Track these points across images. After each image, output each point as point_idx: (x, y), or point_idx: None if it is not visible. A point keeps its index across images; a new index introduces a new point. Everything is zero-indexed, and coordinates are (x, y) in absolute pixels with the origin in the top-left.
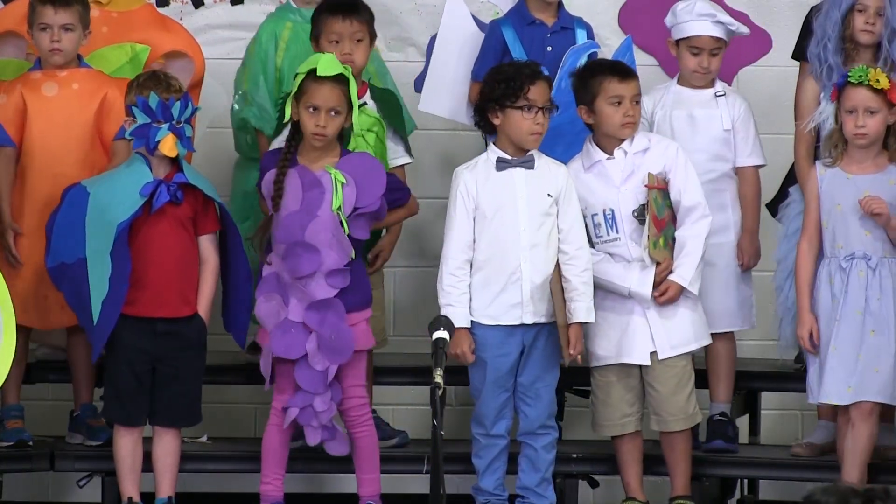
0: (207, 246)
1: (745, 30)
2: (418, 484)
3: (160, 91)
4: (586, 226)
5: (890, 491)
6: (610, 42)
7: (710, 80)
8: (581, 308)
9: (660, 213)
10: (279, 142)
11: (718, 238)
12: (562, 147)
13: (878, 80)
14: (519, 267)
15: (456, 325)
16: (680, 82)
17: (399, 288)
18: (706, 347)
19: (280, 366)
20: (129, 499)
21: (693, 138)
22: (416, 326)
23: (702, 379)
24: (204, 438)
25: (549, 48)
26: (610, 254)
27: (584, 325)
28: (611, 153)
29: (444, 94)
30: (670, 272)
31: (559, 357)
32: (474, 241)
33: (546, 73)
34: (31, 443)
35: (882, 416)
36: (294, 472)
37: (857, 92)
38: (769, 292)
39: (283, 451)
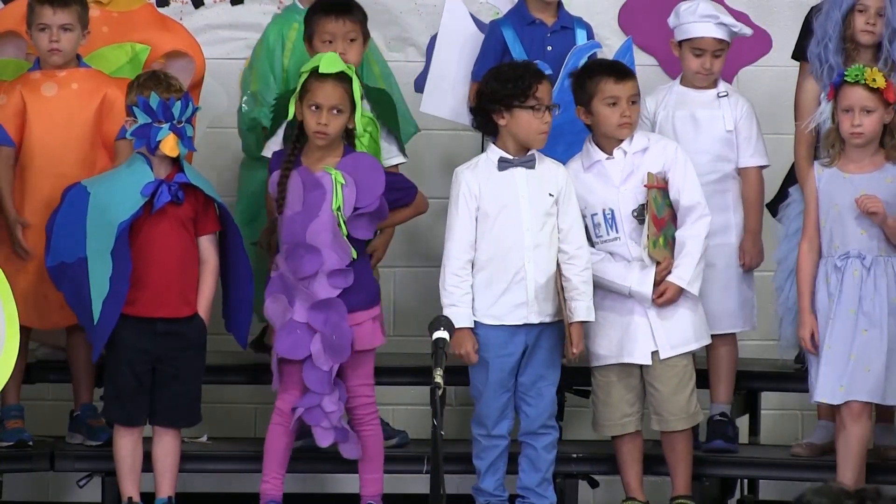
0: (207, 246)
1: (747, 31)
2: (418, 484)
3: (161, 91)
4: (586, 226)
5: (881, 491)
6: (610, 42)
7: (713, 81)
8: (581, 307)
9: (659, 213)
10: (276, 143)
11: (719, 239)
12: (562, 147)
13: (874, 80)
14: (523, 267)
15: (459, 326)
16: (682, 83)
17: (399, 288)
18: (707, 348)
19: (284, 366)
20: (129, 499)
21: (696, 139)
22: (416, 326)
23: (703, 379)
24: (204, 438)
25: (549, 48)
26: (610, 253)
27: (584, 325)
28: (610, 153)
29: (446, 95)
30: (670, 272)
31: (561, 356)
32: (475, 241)
33: (549, 71)
34: (31, 443)
35: (881, 415)
36: (294, 472)
37: (853, 91)
38: (769, 292)
39: (284, 451)
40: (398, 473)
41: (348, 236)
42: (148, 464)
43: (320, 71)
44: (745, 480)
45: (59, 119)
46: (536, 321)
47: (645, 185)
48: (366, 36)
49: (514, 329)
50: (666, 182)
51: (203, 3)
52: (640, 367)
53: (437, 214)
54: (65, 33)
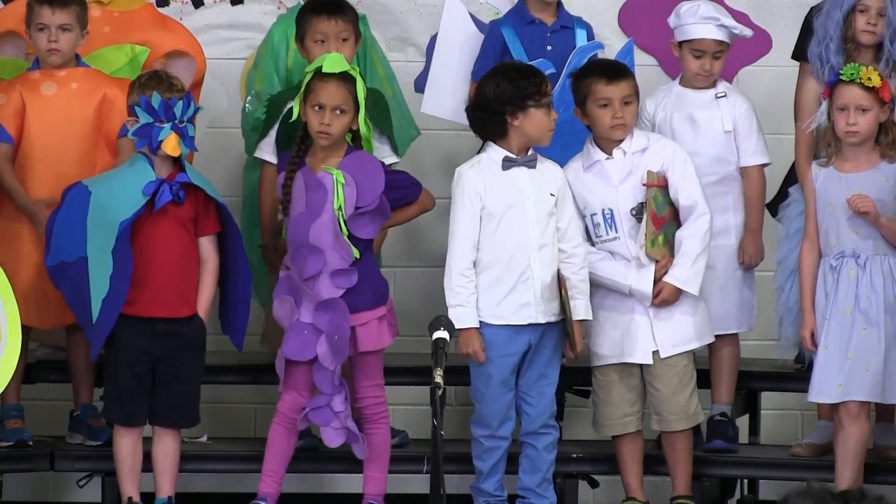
0: (208, 247)
1: (748, 32)
2: (418, 484)
3: (163, 90)
4: (586, 226)
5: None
6: (610, 42)
7: (712, 82)
8: (581, 306)
9: (659, 212)
10: (268, 144)
11: (719, 241)
12: (559, 147)
13: (869, 78)
14: (529, 267)
15: (467, 326)
16: (682, 83)
17: (399, 288)
18: (709, 348)
19: (291, 367)
20: (129, 499)
21: (695, 140)
22: (415, 326)
23: (704, 379)
24: (204, 438)
25: (549, 47)
26: (611, 252)
27: (584, 324)
28: (610, 153)
29: (446, 96)
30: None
31: (561, 355)
32: (479, 241)
33: (552, 70)
34: (31, 443)
35: (881, 415)
36: (295, 472)
37: (848, 90)
38: (769, 292)
39: (283, 452)
40: (398, 473)
41: (351, 236)
42: (148, 464)
43: (324, 71)
44: (745, 480)
45: (59, 118)
46: (544, 321)
47: (644, 184)
48: (358, 35)
49: (519, 328)
50: (666, 181)
51: (203, 3)
52: (641, 366)
53: (437, 214)
54: (63, 33)
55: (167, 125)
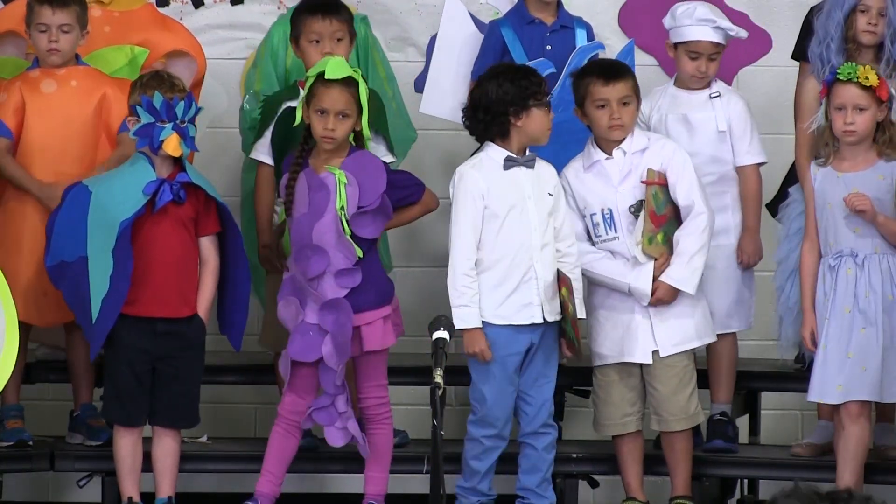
0: (208, 247)
1: (743, 33)
2: (418, 484)
3: (164, 90)
4: (585, 225)
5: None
6: (610, 42)
7: (707, 83)
8: (578, 304)
9: (659, 210)
10: (263, 145)
11: (718, 240)
12: (558, 146)
13: (866, 77)
14: (532, 267)
15: (472, 326)
16: (676, 84)
17: (399, 288)
18: (707, 347)
19: (295, 369)
20: (129, 499)
21: (690, 141)
22: (415, 326)
23: (703, 379)
24: (204, 438)
25: (549, 47)
26: (611, 252)
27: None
28: (610, 153)
29: (445, 96)
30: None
31: (559, 355)
32: (481, 241)
33: (552, 69)
34: (31, 443)
35: (881, 415)
36: (295, 472)
37: (845, 89)
38: (769, 292)
39: (281, 454)
40: (398, 473)
41: (354, 236)
42: (148, 464)
43: (326, 77)
44: (745, 480)
45: (58, 115)
46: (550, 319)
47: (642, 181)
48: (352, 35)
49: (520, 328)
50: (667, 180)
51: (203, 3)
52: (641, 366)
53: (437, 214)
54: (64, 34)
55: (168, 125)
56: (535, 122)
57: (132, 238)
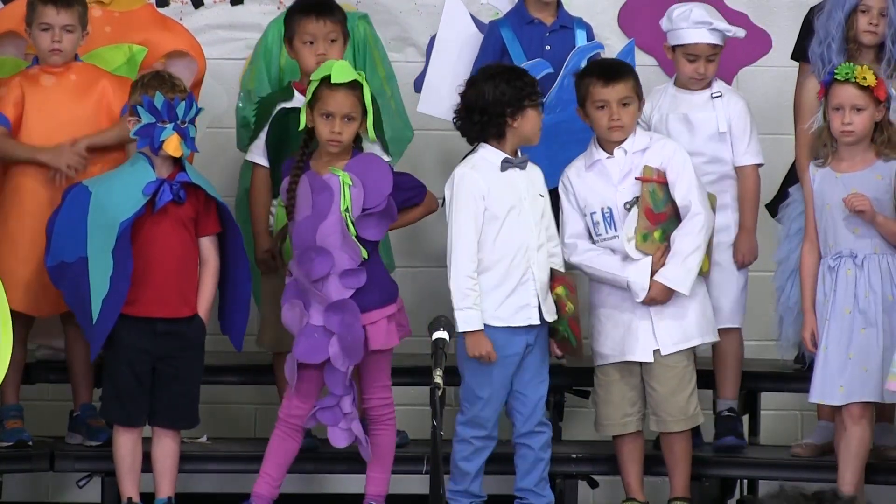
0: (208, 247)
1: (741, 33)
2: (418, 484)
3: (165, 91)
4: (586, 224)
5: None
6: (610, 42)
7: (707, 84)
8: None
9: (657, 208)
10: (258, 146)
11: (719, 238)
12: (556, 146)
13: (864, 78)
14: (529, 268)
15: (476, 328)
16: (677, 84)
17: (399, 288)
18: (714, 343)
19: (301, 371)
20: (129, 499)
21: (691, 141)
22: (415, 326)
23: (705, 379)
24: (204, 438)
25: (548, 47)
26: (612, 250)
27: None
28: (611, 152)
29: (443, 96)
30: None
31: (552, 355)
32: (479, 242)
33: (550, 70)
34: (30, 443)
35: (881, 415)
36: (296, 472)
37: (843, 89)
38: (769, 292)
39: (283, 456)
40: (398, 473)
41: (358, 237)
42: (147, 464)
43: (333, 80)
44: (745, 481)
45: (58, 109)
46: (549, 319)
47: (636, 178)
48: (346, 36)
49: (516, 329)
50: (666, 178)
51: (203, 3)
52: (641, 366)
53: (436, 214)
54: (67, 34)
55: (169, 125)
56: (530, 122)
57: (132, 238)
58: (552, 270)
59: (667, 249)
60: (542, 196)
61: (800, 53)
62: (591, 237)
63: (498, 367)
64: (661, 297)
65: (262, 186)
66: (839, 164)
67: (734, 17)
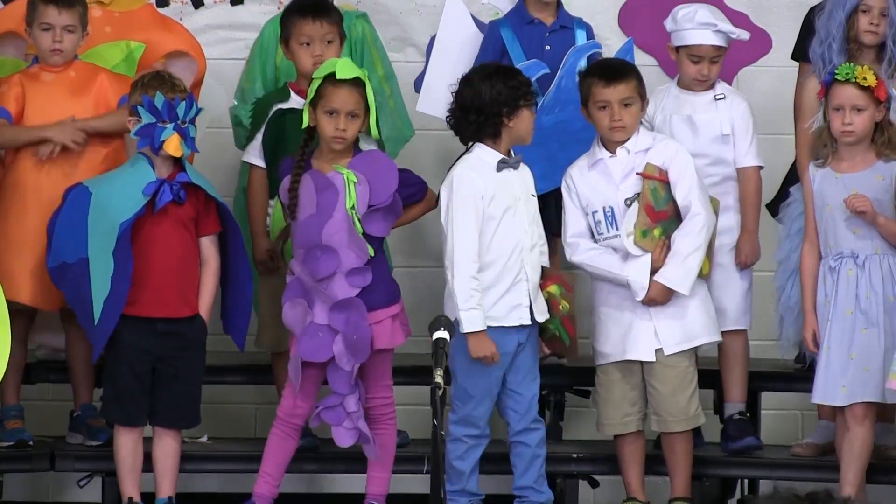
0: (209, 247)
1: (745, 35)
2: (418, 484)
3: (165, 91)
4: (588, 223)
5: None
6: (610, 42)
7: (710, 85)
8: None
9: (658, 206)
10: (255, 147)
11: (722, 239)
12: (556, 146)
13: (864, 78)
14: (523, 268)
15: (480, 329)
16: (680, 85)
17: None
18: (720, 346)
19: (303, 370)
20: (130, 499)
21: (694, 142)
22: (416, 326)
23: (709, 380)
24: (204, 438)
25: (548, 47)
26: (613, 249)
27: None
28: (614, 152)
29: (443, 95)
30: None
31: (544, 355)
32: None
33: (546, 70)
34: (31, 443)
35: (881, 415)
36: (296, 472)
37: (843, 90)
38: (769, 292)
39: (282, 455)
40: (398, 473)
41: (364, 234)
42: (148, 464)
43: (337, 77)
44: (746, 480)
45: (58, 104)
46: (541, 319)
47: (638, 173)
48: (342, 37)
49: (509, 329)
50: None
51: (203, 3)
52: (643, 366)
53: (436, 214)
54: (67, 34)
55: (170, 125)
56: (524, 122)
57: (132, 238)
58: (543, 269)
59: (667, 246)
60: (533, 196)
61: (800, 53)
62: (593, 237)
63: (493, 367)
64: (660, 297)
65: (259, 187)
66: (839, 165)
67: (734, 17)
